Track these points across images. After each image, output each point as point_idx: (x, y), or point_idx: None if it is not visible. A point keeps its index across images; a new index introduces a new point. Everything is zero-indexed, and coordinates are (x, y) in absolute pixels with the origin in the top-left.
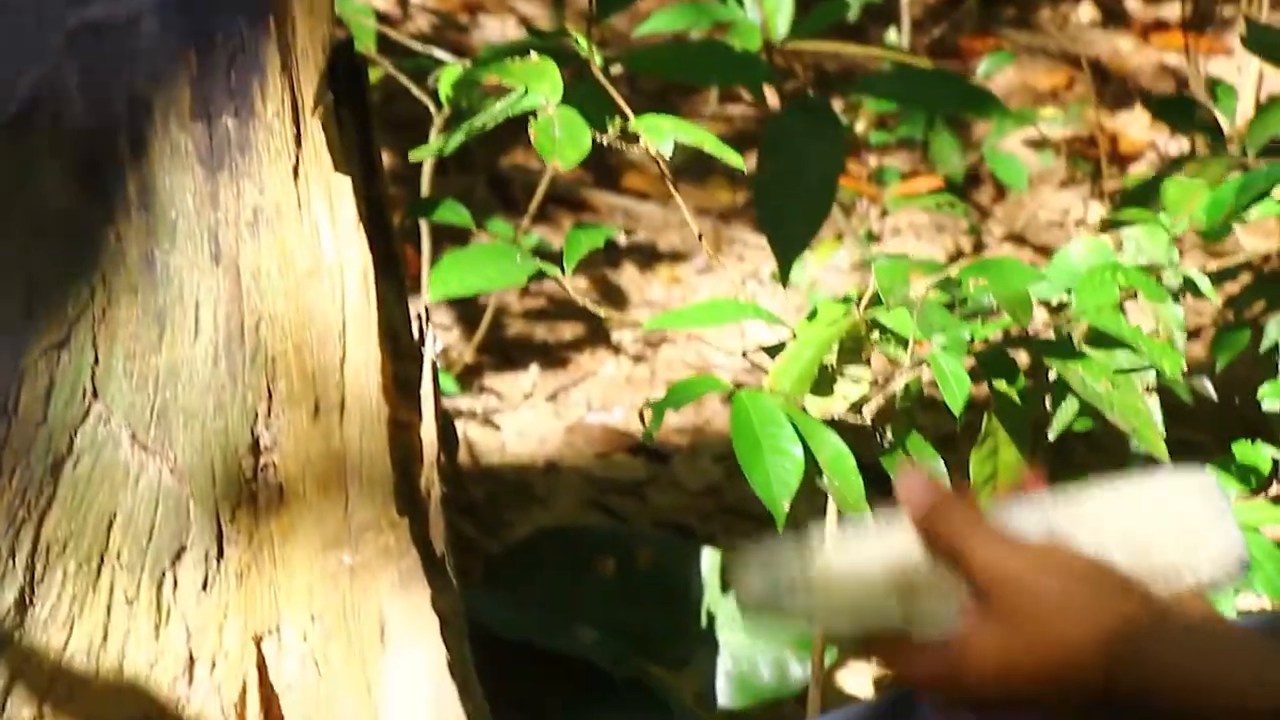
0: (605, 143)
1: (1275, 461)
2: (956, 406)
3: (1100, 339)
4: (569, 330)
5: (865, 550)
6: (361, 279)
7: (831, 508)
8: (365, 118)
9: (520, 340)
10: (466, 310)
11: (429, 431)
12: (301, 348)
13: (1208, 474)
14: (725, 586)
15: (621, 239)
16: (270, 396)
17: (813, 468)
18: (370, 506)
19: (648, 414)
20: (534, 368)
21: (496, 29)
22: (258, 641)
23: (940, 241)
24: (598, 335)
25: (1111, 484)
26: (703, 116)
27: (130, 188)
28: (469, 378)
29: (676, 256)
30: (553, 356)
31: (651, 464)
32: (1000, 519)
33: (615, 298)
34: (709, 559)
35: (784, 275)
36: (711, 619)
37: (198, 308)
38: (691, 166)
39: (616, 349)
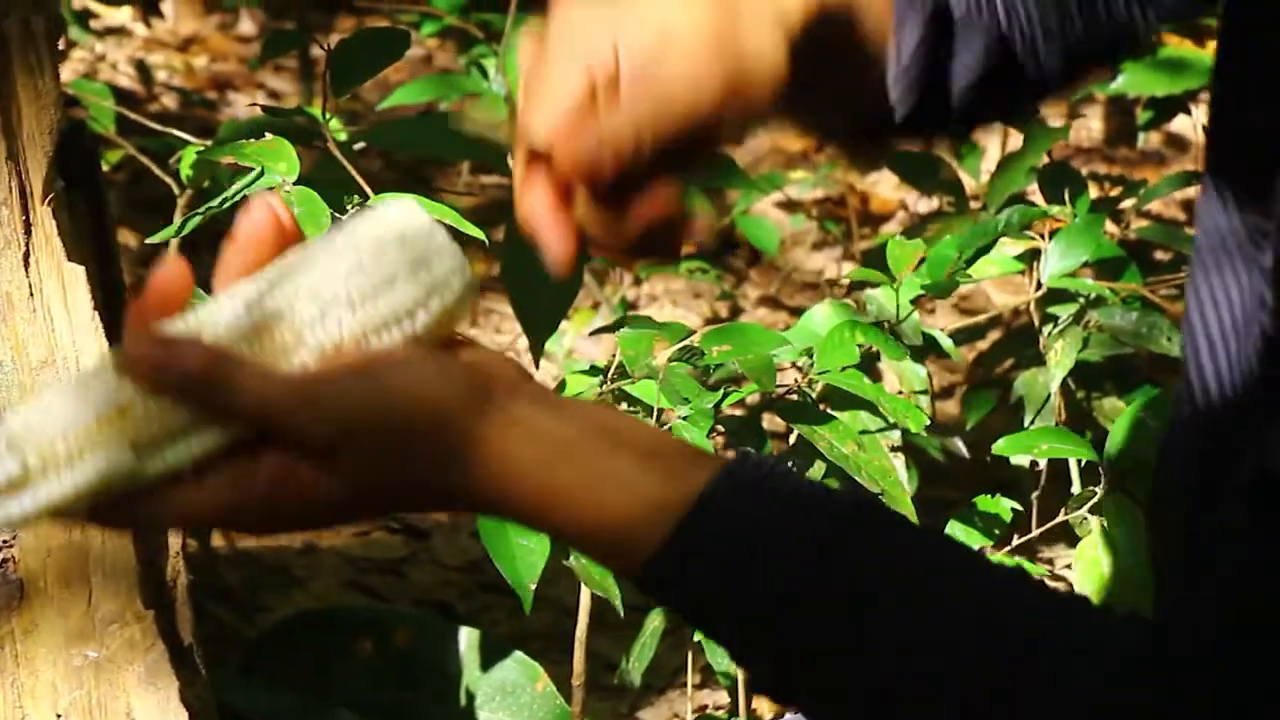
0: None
1: (1015, 511)
2: None
3: (843, 399)
4: None
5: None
6: None
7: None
8: (99, 203)
9: None
10: None
11: None
12: None
13: (407, 200)
14: (484, 665)
15: None
16: None
17: (559, 547)
18: (114, 599)
19: None
20: None
21: (245, 106)
22: None
23: (696, 307)
24: None
25: (319, 240)
26: (455, 189)
27: None
28: None
29: None
30: None
31: (411, 541)
32: (191, 321)
33: None
34: (466, 637)
35: (536, 353)
36: (471, 697)
37: None
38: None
39: None
